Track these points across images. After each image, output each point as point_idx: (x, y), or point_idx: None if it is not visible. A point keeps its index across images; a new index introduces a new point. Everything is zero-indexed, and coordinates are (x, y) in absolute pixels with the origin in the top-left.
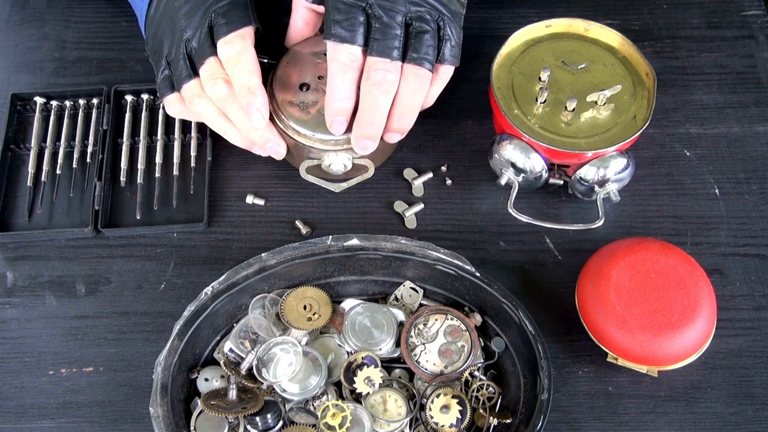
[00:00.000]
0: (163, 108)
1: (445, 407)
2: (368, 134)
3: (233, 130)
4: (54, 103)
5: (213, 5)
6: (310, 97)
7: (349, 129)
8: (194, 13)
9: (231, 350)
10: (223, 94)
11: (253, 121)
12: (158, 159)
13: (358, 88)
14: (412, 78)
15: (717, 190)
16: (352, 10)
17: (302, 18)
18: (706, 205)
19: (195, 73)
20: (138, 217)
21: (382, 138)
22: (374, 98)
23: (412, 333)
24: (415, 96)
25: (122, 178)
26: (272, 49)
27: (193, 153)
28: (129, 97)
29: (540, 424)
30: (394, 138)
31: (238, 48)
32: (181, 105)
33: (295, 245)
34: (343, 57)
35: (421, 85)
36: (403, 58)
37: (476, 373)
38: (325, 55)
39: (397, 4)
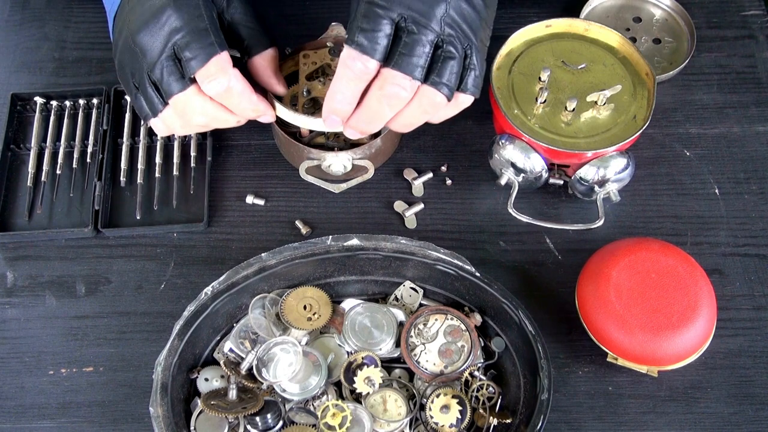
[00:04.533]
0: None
1: (445, 407)
2: (359, 129)
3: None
4: (54, 103)
5: (172, 36)
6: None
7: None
8: (153, 41)
9: (231, 350)
10: (200, 123)
11: (265, 120)
12: (158, 159)
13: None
14: (426, 100)
15: (717, 190)
16: (380, 20)
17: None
18: (706, 205)
19: (166, 102)
20: (138, 217)
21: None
22: (381, 108)
23: (412, 333)
24: (423, 116)
25: (122, 178)
26: (279, 43)
27: (193, 153)
28: (129, 97)
29: (540, 424)
30: (361, 135)
31: (224, 83)
32: (166, 126)
33: (295, 245)
34: (356, 67)
35: (433, 109)
36: (424, 78)
37: (476, 373)
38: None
39: (432, 23)
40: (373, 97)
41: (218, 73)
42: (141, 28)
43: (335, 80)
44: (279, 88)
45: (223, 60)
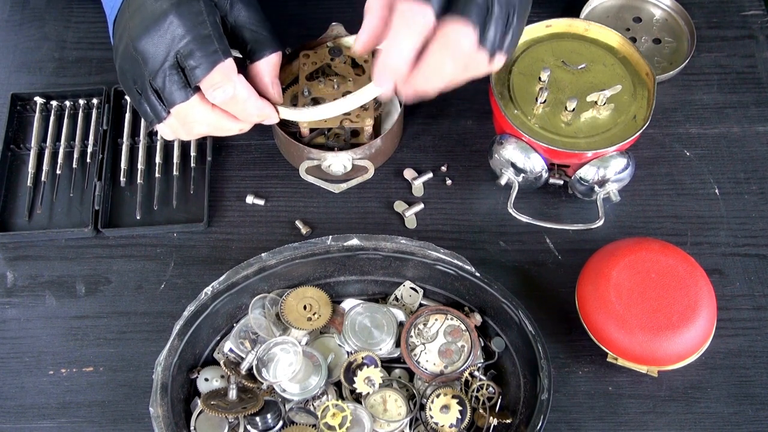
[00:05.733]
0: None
1: (445, 407)
2: (418, 90)
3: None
4: (54, 103)
5: (174, 44)
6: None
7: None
8: (155, 49)
9: (231, 350)
10: (202, 131)
11: (269, 122)
12: (158, 159)
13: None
14: (472, 62)
15: (717, 190)
16: None
17: (379, 17)
18: (706, 205)
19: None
20: (138, 217)
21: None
22: (443, 61)
23: (412, 333)
24: (466, 75)
25: (122, 178)
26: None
27: (193, 153)
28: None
29: (540, 424)
30: (416, 97)
31: (230, 91)
32: (171, 131)
33: (295, 245)
34: (416, 18)
35: (475, 71)
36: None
37: (476, 373)
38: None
39: None
40: (435, 51)
41: (223, 81)
42: (142, 35)
43: (391, 36)
44: (274, 96)
45: (227, 67)
